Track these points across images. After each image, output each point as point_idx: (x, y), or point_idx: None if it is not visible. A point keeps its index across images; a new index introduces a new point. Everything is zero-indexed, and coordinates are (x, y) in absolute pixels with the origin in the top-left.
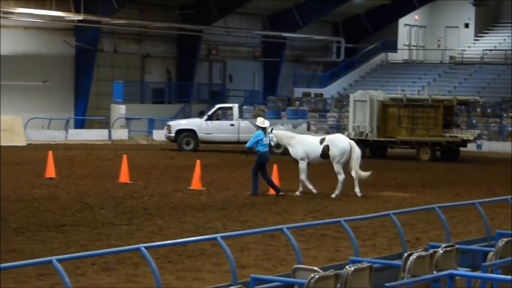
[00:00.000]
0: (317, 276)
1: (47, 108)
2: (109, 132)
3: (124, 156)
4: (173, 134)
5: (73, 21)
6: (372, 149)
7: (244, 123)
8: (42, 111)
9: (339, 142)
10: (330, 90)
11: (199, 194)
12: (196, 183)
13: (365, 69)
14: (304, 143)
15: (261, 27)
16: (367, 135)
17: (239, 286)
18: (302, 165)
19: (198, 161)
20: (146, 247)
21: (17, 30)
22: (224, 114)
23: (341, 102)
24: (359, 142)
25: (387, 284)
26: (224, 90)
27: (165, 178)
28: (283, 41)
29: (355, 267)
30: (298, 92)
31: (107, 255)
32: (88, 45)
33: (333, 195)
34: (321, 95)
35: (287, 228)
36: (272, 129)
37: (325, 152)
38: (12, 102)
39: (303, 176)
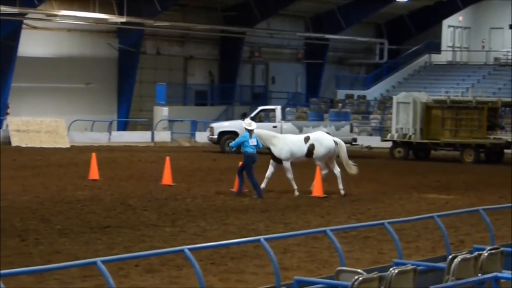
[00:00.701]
0: (360, 279)
1: (90, 110)
2: (152, 134)
3: (167, 158)
4: (215, 136)
5: (116, 23)
6: (415, 151)
7: (287, 125)
8: (85, 113)
9: (325, 141)
10: (373, 92)
11: (242, 196)
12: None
13: (408, 70)
14: (287, 142)
15: (304, 29)
16: (410, 137)
17: None
18: (287, 164)
19: (240, 163)
20: (189, 249)
21: (60, 32)
22: (267, 116)
23: (384, 104)
24: (403, 144)
25: (431, 287)
26: (267, 92)
27: (207, 180)
28: (326, 42)
29: (399, 269)
30: (341, 94)
31: (150, 257)
32: (131, 47)
33: (342, 192)
34: (364, 97)
35: (331, 230)
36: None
37: (311, 151)
38: (55, 104)
39: (290, 175)
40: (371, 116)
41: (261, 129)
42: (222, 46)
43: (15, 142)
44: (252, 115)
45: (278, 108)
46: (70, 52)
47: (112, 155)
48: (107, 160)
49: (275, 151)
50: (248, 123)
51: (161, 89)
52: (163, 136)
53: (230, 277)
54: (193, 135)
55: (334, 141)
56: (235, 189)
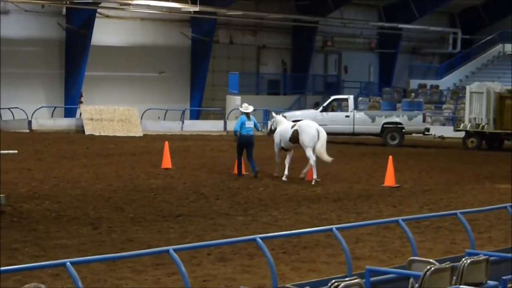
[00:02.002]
0: (433, 268)
1: (163, 99)
2: (225, 123)
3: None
4: None
5: (189, 12)
6: (488, 141)
7: (359, 115)
8: (158, 102)
9: (307, 128)
10: (446, 82)
11: (314, 186)
12: (311, 175)
13: (481, 60)
14: (281, 128)
15: (377, 18)
16: (483, 127)
17: (355, 277)
18: (275, 149)
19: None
20: (261, 238)
21: (134, 21)
22: (339, 106)
23: (457, 94)
24: (476, 134)
25: (504, 277)
26: (339, 82)
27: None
28: (399, 32)
29: (472, 259)
30: (414, 83)
31: (222, 246)
32: (204, 37)
33: (313, 182)
34: (437, 86)
35: (403, 220)
36: (275, 115)
37: (294, 136)
38: (129, 93)
39: (277, 160)
40: (444, 106)
41: (279, 116)
42: (295, 35)
43: (88, 130)
44: (325, 104)
45: (351, 98)
46: (143, 41)
47: (184, 144)
48: (179, 149)
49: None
50: (245, 106)
51: (234, 78)
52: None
53: (302, 266)
54: (265, 124)
55: (317, 130)
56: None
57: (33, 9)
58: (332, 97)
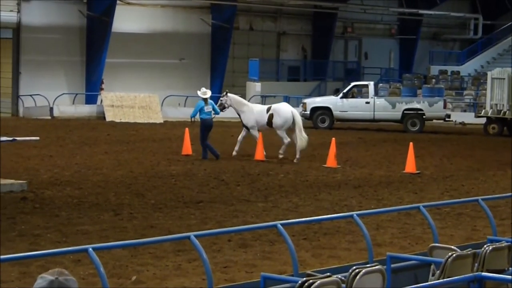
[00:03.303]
0: (454, 255)
1: (183, 85)
2: None
3: (260, 134)
4: (308, 112)
5: None
6: (510, 127)
7: (380, 101)
8: (178, 89)
9: (283, 112)
10: (467, 68)
11: (334, 172)
12: (331, 161)
13: (503, 46)
14: (254, 112)
15: (397, 4)
16: (505, 113)
17: (376, 264)
18: (253, 132)
19: (333, 139)
20: (282, 224)
21: (154, 8)
22: (359, 92)
23: (479, 80)
24: (497, 120)
25: None
26: (360, 68)
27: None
28: (420, 18)
29: (493, 246)
30: (435, 69)
31: (243, 232)
32: (224, 23)
33: (295, 160)
34: (458, 72)
35: (424, 206)
36: (227, 92)
37: (270, 120)
38: (149, 80)
39: (256, 141)
40: (465, 92)
41: (234, 94)
42: (315, 21)
43: (109, 117)
44: (345, 90)
45: (371, 84)
46: (164, 28)
47: None
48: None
49: (244, 118)
50: (203, 91)
51: (254, 65)
52: None
53: (323, 253)
54: None
55: (291, 112)
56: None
57: None
58: (352, 84)
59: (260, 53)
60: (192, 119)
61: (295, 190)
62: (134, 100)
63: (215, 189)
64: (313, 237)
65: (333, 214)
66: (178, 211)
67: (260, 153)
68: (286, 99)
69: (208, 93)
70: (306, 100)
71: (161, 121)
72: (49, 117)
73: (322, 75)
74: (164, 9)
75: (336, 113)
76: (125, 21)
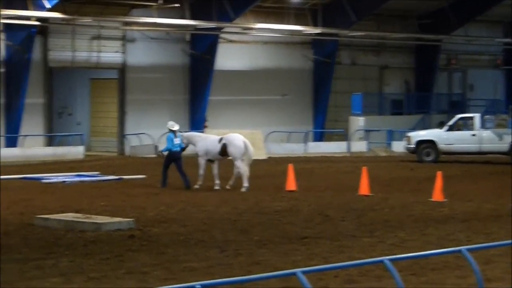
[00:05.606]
0: None
1: (286, 121)
2: (348, 144)
3: (364, 168)
4: (413, 145)
5: (311, 34)
6: None
7: (486, 133)
8: (281, 125)
9: (235, 141)
10: None
11: (441, 206)
12: (437, 195)
13: None
14: (205, 142)
15: (502, 34)
16: None
17: None
18: (201, 160)
19: (439, 172)
20: (389, 260)
21: (256, 45)
22: (465, 124)
23: None
24: None
25: None
26: (465, 100)
27: (405, 190)
28: None
29: None
30: None
31: (350, 268)
32: (326, 58)
33: (243, 189)
34: None
35: None
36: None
37: (223, 150)
38: (252, 116)
39: (201, 171)
40: None
41: (188, 132)
42: (418, 54)
43: None
44: (450, 123)
45: (477, 116)
46: (266, 64)
47: (308, 165)
48: (303, 171)
49: (196, 149)
50: (171, 124)
51: (357, 99)
52: (359, 146)
53: None
54: (389, 144)
55: (244, 142)
56: None
57: (158, 37)
58: (458, 116)
59: (363, 87)
60: (163, 153)
61: (401, 225)
62: None
63: (320, 224)
64: (420, 272)
65: (441, 249)
66: (283, 247)
67: (365, 188)
68: (390, 133)
69: (176, 127)
70: (411, 134)
71: (265, 157)
72: (155, 155)
73: (425, 108)
74: (266, 45)
75: (441, 146)
76: (227, 58)
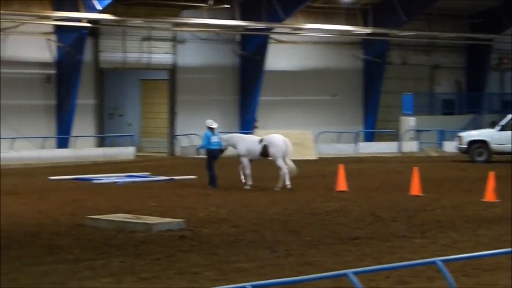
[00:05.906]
0: None
1: (336, 121)
2: (399, 145)
3: (415, 168)
4: (465, 145)
5: (361, 34)
6: None
7: None
8: (331, 125)
9: (275, 141)
10: None
11: (493, 206)
12: (490, 195)
13: None
14: (246, 142)
15: None
16: None
17: None
18: (244, 160)
19: (491, 173)
20: (442, 261)
21: (306, 45)
22: None
23: None
24: None
25: None
26: None
27: (457, 190)
28: None
29: None
30: None
31: (401, 269)
32: (376, 58)
33: (276, 188)
34: None
35: None
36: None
37: (264, 151)
38: (302, 117)
39: (248, 171)
40: None
41: (228, 134)
42: (469, 53)
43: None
44: (503, 123)
45: None
46: (316, 65)
47: (359, 166)
48: (354, 171)
49: (237, 150)
50: (209, 122)
51: (408, 99)
52: (410, 146)
53: None
54: (440, 144)
55: (284, 142)
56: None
57: (208, 37)
58: (510, 116)
59: (413, 87)
60: (201, 151)
61: (453, 226)
62: (287, 137)
63: (371, 225)
64: (473, 273)
65: (493, 249)
66: (334, 248)
67: (416, 188)
68: (441, 133)
69: (215, 124)
70: (462, 134)
71: (315, 157)
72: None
73: (477, 108)
74: (315, 46)
75: (493, 146)
76: (277, 59)
